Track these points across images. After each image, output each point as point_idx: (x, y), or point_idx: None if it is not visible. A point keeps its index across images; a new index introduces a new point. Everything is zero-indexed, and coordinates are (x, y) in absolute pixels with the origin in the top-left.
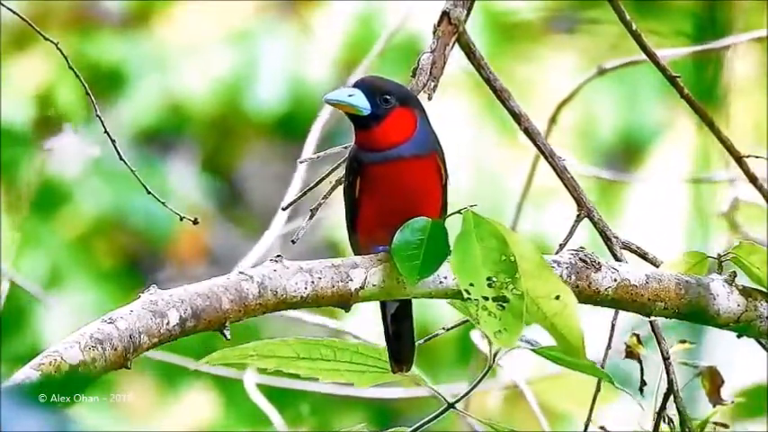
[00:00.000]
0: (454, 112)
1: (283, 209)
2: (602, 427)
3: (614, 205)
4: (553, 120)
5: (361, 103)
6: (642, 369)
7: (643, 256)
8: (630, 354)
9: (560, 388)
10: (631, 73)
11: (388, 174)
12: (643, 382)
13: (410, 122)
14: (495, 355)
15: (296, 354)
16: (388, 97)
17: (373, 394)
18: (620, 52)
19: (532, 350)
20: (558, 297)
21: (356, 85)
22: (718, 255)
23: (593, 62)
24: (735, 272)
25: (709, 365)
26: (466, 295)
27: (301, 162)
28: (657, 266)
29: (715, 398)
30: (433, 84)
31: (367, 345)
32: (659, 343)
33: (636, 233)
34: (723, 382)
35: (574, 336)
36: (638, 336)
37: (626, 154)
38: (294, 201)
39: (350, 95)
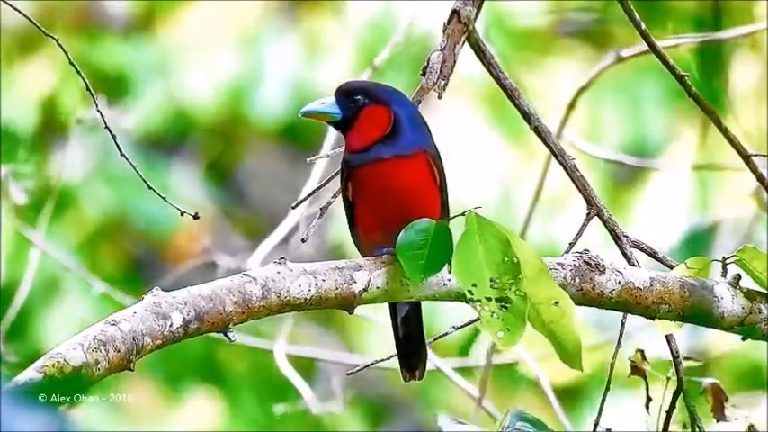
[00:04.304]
0: (461, 111)
1: (292, 208)
2: (608, 430)
3: (623, 203)
4: (572, 105)
5: (332, 109)
6: (647, 385)
7: (653, 255)
8: (636, 370)
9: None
10: (636, 82)
11: (371, 175)
12: (649, 398)
13: (382, 119)
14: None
15: None
16: (356, 97)
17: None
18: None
19: None
20: (557, 303)
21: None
22: (723, 258)
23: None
24: (739, 274)
25: (713, 381)
26: (469, 296)
27: (310, 161)
28: (669, 266)
29: (719, 414)
30: (443, 83)
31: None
32: (668, 342)
33: (644, 229)
34: (727, 398)
35: (571, 343)
36: (642, 352)
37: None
38: (302, 200)
39: (322, 104)
